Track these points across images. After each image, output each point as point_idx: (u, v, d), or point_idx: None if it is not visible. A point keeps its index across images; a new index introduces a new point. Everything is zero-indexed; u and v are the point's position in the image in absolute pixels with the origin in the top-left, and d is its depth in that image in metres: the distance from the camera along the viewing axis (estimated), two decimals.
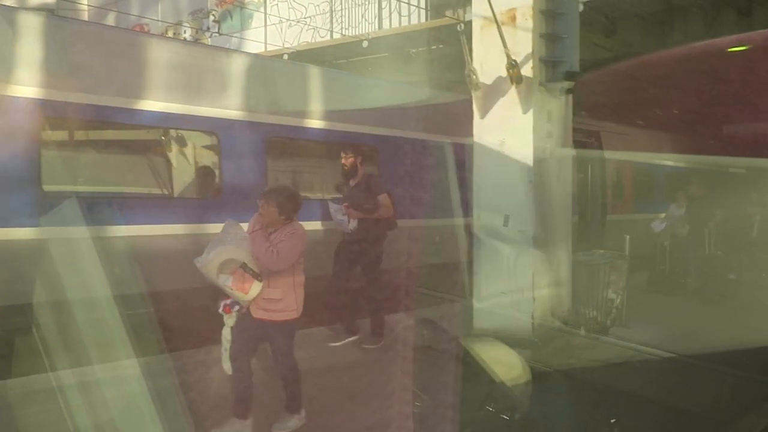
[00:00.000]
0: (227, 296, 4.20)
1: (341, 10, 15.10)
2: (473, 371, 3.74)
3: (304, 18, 15.80)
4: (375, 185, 5.78)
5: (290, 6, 16.15)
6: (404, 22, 14.03)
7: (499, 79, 5.20)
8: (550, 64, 5.15)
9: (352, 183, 5.81)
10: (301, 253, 4.06)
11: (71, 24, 6.91)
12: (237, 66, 6.51)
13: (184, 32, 17.80)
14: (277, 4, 16.27)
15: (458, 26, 11.97)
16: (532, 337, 5.17)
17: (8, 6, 6.15)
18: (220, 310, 4.49)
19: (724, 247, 7.87)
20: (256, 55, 8.10)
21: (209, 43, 16.14)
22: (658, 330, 6.15)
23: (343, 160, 5.79)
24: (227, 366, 4.40)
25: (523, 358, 4.05)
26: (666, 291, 7.92)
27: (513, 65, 4.95)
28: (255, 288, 3.94)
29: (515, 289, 5.15)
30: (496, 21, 4.85)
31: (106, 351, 4.06)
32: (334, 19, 15.35)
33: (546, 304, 5.27)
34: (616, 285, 6.21)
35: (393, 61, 13.51)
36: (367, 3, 14.67)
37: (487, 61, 5.27)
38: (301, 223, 4.11)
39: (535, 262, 5.14)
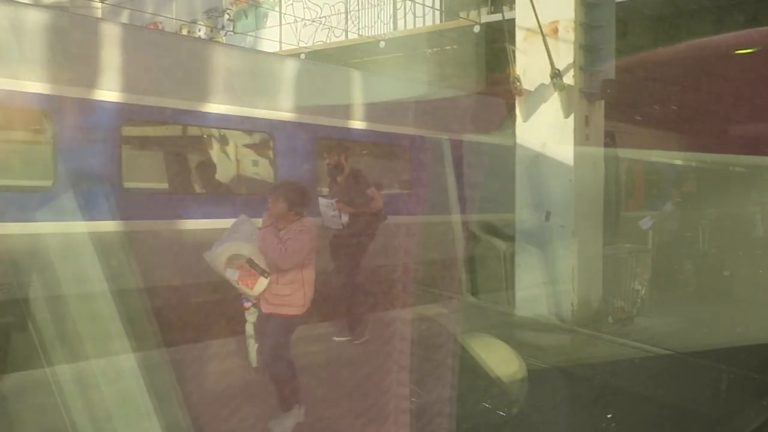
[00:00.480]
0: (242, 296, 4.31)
1: (358, 10, 15.45)
2: (470, 368, 3.74)
3: (320, 18, 16.15)
4: (363, 180, 5.87)
5: (305, 6, 16.46)
6: (419, 23, 14.39)
7: (542, 86, 5.66)
8: (589, 72, 5.61)
9: (339, 179, 5.89)
10: (310, 249, 4.05)
11: (157, 36, 7.41)
12: (288, 70, 6.93)
13: (199, 31, 18.03)
14: (292, 4, 16.55)
15: (474, 28, 12.40)
16: (571, 324, 5.64)
17: (122, 22, 6.64)
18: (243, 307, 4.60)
19: (719, 244, 8.22)
20: (305, 60, 8.40)
21: (223, 41, 16.44)
22: (674, 320, 6.57)
23: (327, 160, 6.00)
24: (252, 358, 4.57)
25: (520, 356, 4.02)
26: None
27: (557, 74, 5.41)
28: (261, 284, 3.96)
29: (556, 279, 5.61)
30: (542, 34, 5.31)
31: (201, 330, 4.50)
32: (349, 20, 15.72)
33: (583, 294, 5.74)
34: (641, 277, 6.70)
35: (409, 61, 13.87)
36: (381, 4, 15.03)
37: (529, 69, 5.72)
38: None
39: (574, 255, 5.61)
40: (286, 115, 6.53)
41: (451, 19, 13.86)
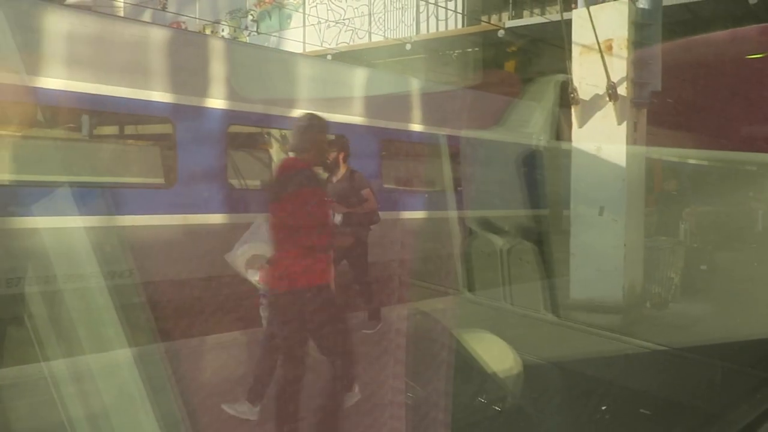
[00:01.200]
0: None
1: (384, 12, 16.03)
2: (465, 362, 3.79)
3: (343, 19, 16.72)
4: (358, 180, 5.88)
5: (329, 8, 17.03)
6: (441, 26, 15.02)
7: (596, 96, 6.41)
8: (639, 85, 6.37)
9: (334, 179, 5.87)
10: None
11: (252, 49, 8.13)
12: (358, 78, 7.65)
13: (222, 30, 18.48)
14: (316, 6, 17.11)
15: (499, 32, 13.08)
16: (621, 306, 6.40)
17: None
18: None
19: (745, 238, 9.00)
20: (371, 69, 9.00)
21: (247, 41, 16.95)
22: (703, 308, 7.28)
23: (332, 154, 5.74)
24: None
25: (515, 350, 4.04)
26: None
27: (612, 86, 6.16)
28: None
29: (607, 267, 6.38)
30: (600, 51, 6.05)
31: None
32: (372, 22, 16.30)
33: (630, 280, 6.51)
34: (675, 266, 7.49)
35: (434, 63, 14.50)
36: (405, 7, 15.63)
37: (585, 81, 6.47)
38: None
39: (624, 245, 6.38)
40: (358, 120, 7.28)
41: (473, 22, 14.50)
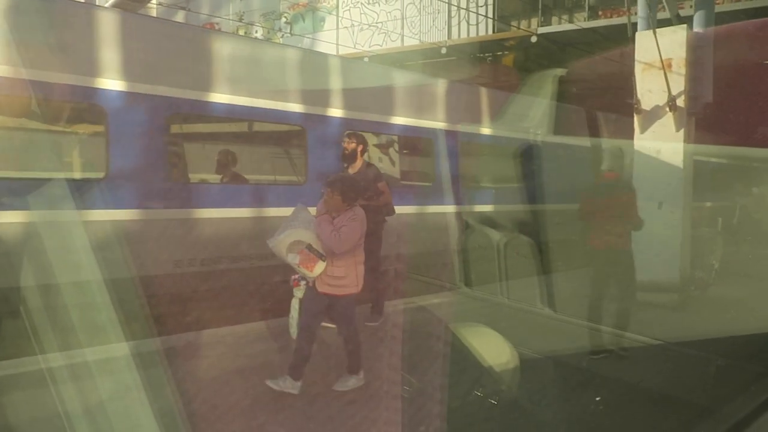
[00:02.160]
0: (296, 275, 4.57)
1: (419, 17, 16.83)
2: (462, 356, 3.82)
3: (377, 23, 17.53)
4: (374, 173, 6.02)
5: (362, 12, 17.82)
6: (472, 30, 15.89)
7: (656, 107, 7.48)
8: (694, 98, 7.45)
9: (351, 171, 5.95)
10: (361, 236, 4.38)
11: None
12: (441, 89, 8.67)
13: (256, 32, 19.18)
14: (349, 9, 17.91)
15: (531, 38, 14.03)
16: (677, 286, 7.50)
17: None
18: (292, 283, 4.76)
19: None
20: (452, 81, 9.89)
21: (280, 42, 17.69)
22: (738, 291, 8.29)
23: (345, 145, 6.01)
24: (293, 331, 4.79)
25: (511, 344, 4.08)
26: None
27: (672, 99, 7.23)
28: (319, 267, 4.27)
29: (664, 253, 7.47)
30: (663, 69, 7.12)
31: None
32: (405, 26, 17.14)
33: (685, 265, 7.63)
34: (716, 254, 8.61)
35: (468, 65, 15.35)
36: (437, 12, 16.47)
37: (646, 93, 7.54)
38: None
39: (679, 234, 7.48)
40: (444, 125, 8.32)
41: (503, 27, 15.42)
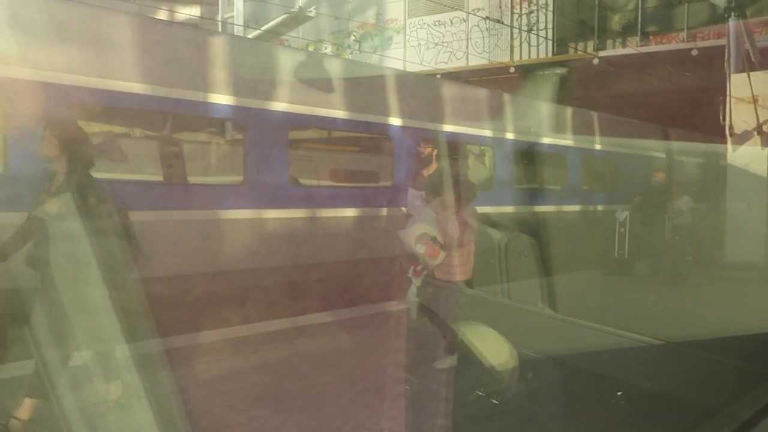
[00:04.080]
0: (415, 263, 5.03)
1: (482, 38, 18.70)
2: (463, 355, 3.94)
3: (443, 42, 19.50)
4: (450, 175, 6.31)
5: (428, 32, 19.78)
6: (533, 52, 17.91)
7: (745, 132, 9.91)
8: None
9: (426, 173, 6.51)
10: (475, 230, 4.93)
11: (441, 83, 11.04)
12: (494, 100, 10.46)
13: (325, 49, 20.94)
14: (416, 29, 19.84)
15: (593, 60, 16.22)
16: (761, 266, 9.90)
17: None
18: (410, 274, 5.12)
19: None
20: (502, 93, 11.74)
21: (349, 59, 19.47)
22: None
23: (421, 149, 6.70)
24: (413, 314, 5.16)
25: (511, 343, 4.12)
26: None
27: (759, 125, 9.67)
28: (441, 256, 4.79)
29: (754, 242, 9.89)
30: (755, 104, 9.55)
31: None
32: (469, 45, 19.11)
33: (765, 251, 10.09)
34: None
35: (532, 84, 17.32)
36: (500, 34, 18.46)
37: (737, 121, 9.96)
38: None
39: (764, 228, 9.91)
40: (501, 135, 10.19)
41: (563, 49, 17.55)
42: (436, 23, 19.66)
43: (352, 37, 21.48)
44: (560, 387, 4.33)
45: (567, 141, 11.89)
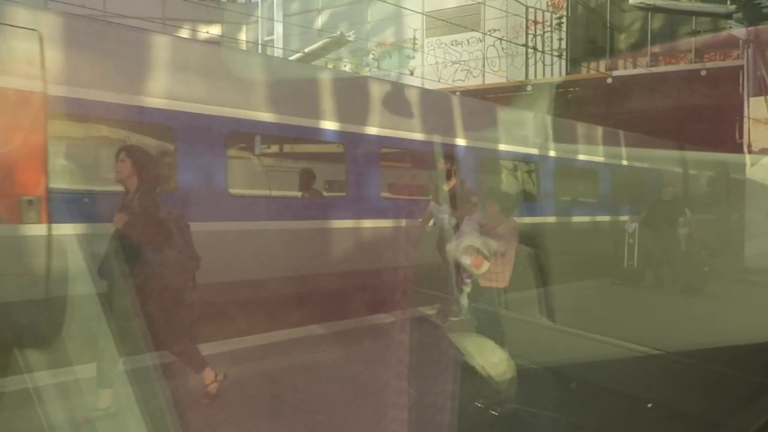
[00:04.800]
0: (464, 273, 5.31)
1: (498, 58, 19.65)
2: (461, 367, 3.90)
3: (460, 61, 20.45)
4: (468, 189, 6.90)
5: (446, 51, 20.73)
6: (547, 71, 18.86)
7: (763, 149, 10.90)
8: None
9: (446, 188, 6.77)
10: (515, 241, 5.23)
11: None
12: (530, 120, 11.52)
13: (344, 66, 21.81)
14: (434, 48, 20.78)
15: (608, 80, 17.20)
16: None
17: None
18: (461, 284, 5.49)
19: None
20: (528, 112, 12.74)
21: (368, 75, 20.30)
22: None
23: (442, 166, 6.89)
24: (464, 314, 5.65)
25: (508, 354, 4.10)
26: None
27: None
28: (485, 266, 5.08)
29: None
30: None
31: None
32: (486, 65, 20.05)
33: None
34: None
35: (547, 101, 18.21)
36: (515, 54, 19.44)
37: (755, 139, 10.95)
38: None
39: None
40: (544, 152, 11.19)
41: (576, 69, 18.54)
42: (453, 43, 20.56)
43: (371, 56, 22.26)
44: (562, 399, 4.23)
45: (584, 156, 12.73)
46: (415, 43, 21.31)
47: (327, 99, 7.22)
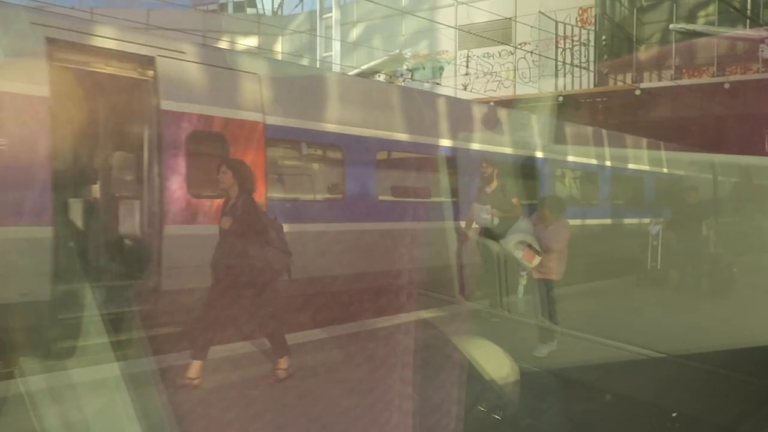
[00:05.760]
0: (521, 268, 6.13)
1: (529, 69, 20.79)
2: (464, 370, 3.84)
3: (491, 72, 21.59)
4: (509, 191, 7.33)
5: (477, 63, 21.86)
6: (576, 83, 19.97)
7: None
8: None
9: (488, 190, 7.33)
10: (567, 238, 5.79)
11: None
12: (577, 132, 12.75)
13: (378, 76, 22.86)
14: (467, 60, 21.93)
15: (636, 92, 18.35)
16: None
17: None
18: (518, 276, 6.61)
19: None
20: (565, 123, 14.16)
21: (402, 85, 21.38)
22: None
23: (483, 170, 7.48)
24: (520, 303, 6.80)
25: (511, 357, 4.08)
26: None
27: None
28: (536, 260, 5.60)
29: None
30: None
31: None
32: (516, 76, 21.17)
33: None
34: None
35: (578, 111, 19.39)
36: (545, 66, 20.58)
37: None
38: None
39: None
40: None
41: (603, 80, 19.71)
42: (485, 55, 21.68)
43: (405, 66, 23.36)
44: (566, 403, 4.18)
45: (614, 163, 13.71)
46: (447, 55, 22.27)
47: (449, 122, 8.50)
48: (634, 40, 20.08)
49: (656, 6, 20.13)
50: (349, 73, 16.02)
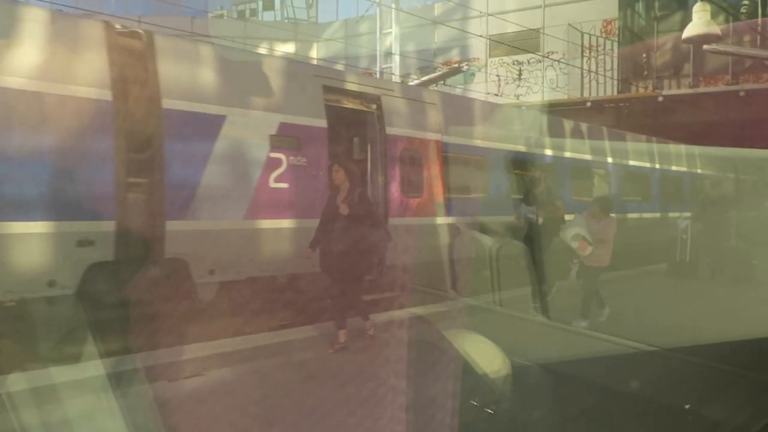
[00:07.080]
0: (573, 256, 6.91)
1: (557, 75, 22.34)
2: (456, 364, 3.79)
3: (520, 78, 23.23)
4: (553, 194, 8.14)
5: (507, 70, 23.52)
6: (600, 89, 21.33)
7: None
8: None
9: (535, 191, 7.96)
10: (614, 232, 6.84)
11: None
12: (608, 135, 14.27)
13: (411, 81, 24.38)
14: (497, 67, 23.54)
15: (658, 98, 20.09)
16: None
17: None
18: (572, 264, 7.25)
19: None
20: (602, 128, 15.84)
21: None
22: None
23: (529, 173, 8.53)
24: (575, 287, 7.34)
25: (503, 352, 3.96)
26: None
27: None
28: (588, 249, 6.53)
29: None
30: None
31: None
32: (544, 82, 22.82)
33: None
34: None
35: (604, 115, 20.69)
36: (570, 73, 22.24)
37: None
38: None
39: None
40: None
41: (626, 87, 21.42)
42: (515, 62, 23.27)
43: (437, 72, 24.84)
44: (559, 397, 4.09)
45: (643, 163, 15.23)
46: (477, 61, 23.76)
47: (539, 133, 10.42)
48: (655, 50, 21.74)
49: (669, 16, 21.66)
50: (411, 83, 17.55)
